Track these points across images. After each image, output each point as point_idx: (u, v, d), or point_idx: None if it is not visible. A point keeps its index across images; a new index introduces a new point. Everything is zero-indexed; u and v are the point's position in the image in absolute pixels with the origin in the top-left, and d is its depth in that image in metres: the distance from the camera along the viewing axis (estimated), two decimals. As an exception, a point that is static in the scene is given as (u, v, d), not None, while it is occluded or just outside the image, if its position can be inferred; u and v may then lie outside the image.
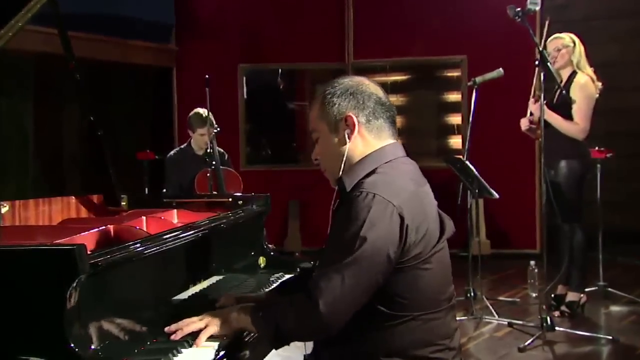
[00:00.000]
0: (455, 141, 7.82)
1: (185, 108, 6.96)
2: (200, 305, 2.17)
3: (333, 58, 7.58)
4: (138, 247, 1.88)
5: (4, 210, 2.43)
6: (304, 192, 7.46)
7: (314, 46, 7.53)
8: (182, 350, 1.78)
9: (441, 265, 1.92)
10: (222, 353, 1.82)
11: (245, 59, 7.52)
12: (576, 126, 4.74)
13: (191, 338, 1.85)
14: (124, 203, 2.75)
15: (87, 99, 2.55)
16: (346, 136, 1.93)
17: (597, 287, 5.40)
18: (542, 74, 4.32)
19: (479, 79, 5.00)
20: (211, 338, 1.86)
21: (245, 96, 7.57)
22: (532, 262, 5.59)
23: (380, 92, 1.99)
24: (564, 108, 4.73)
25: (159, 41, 7.36)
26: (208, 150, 4.96)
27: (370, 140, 1.95)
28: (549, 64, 4.33)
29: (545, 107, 4.44)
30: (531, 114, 4.93)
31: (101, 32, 6.42)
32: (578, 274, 4.89)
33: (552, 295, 4.95)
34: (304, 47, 7.52)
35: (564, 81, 4.77)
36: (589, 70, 4.81)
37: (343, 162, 1.93)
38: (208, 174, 4.94)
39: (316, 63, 7.72)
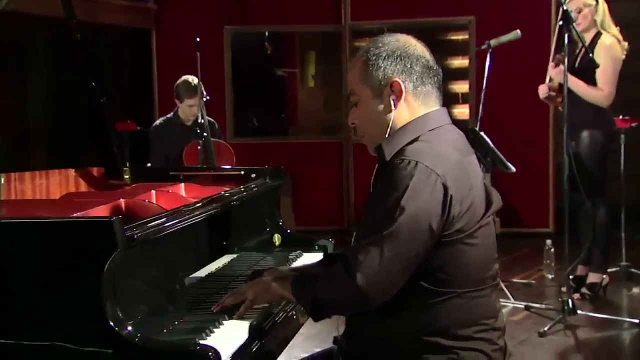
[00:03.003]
0: (461, 111, 7.87)
1: (165, 74, 6.97)
2: (220, 284, 2.23)
3: (328, 20, 7.58)
4: (171, 221, 1.93)
5: (-1, 183, 2.45)
6: (296, 167, 7.49)
7: (307, 6, 7.52)
8: (215, 330, 1.84)
9: (486, 240, 1.97)
10: (254, 333, 1.88)
11: (231, 21, 7.50)
12: (600, 92, 4.78)
13: (228, 314, 1.94)
14: (127, 176, 2.78)
15: (88, 63, 2.56)
16: (392, 103, 1.96)
17: (619, 268, 5.50)
18: (566, 36, 4.36)
19: (493, 42, 4.98)
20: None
21: (231, 62, 7.56)
22: (549, 242, 5.69)
23: (427, 55, 2.01)
24: (586, 73, 4.75)
25: (135, -1, 7.32)
26: (199, 121, 4.98)
27: (417, 107, 1.98)
28: (574, 24, 4.36)
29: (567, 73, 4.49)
30: (550, 79, 4.97)
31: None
32: (600, 253, 4.97)
33: (572, 277, 5.00)
34: (296, 8, 7.51)
35: (587, 44, 4.79)
36: (615, 30, 4.83)
37: (388, 130, 1.97)
38: (199, 147, 4.96)
39: (309, 25, 7.72)
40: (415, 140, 1.94)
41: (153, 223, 1.85)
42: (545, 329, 4.32)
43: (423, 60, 1.99)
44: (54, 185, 2.65)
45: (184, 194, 2.71)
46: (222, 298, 2.03)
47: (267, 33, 8.19)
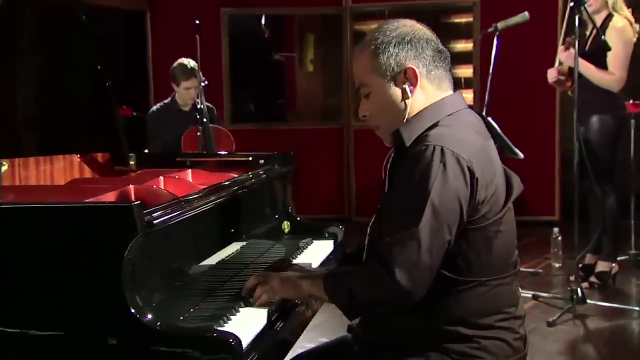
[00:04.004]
0: (464, 96, 7.87)
1: (161, 58, 6.95)
2: (232, 271, 2.26)
3: (328, 2, 7.57)
4: (188, 207, 1.95)
5: (2, 169, 2.47)
6: (296, 154, 7.46)
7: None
8: (232, 317, 1.86)
9: (509, 226, 1.99)
10: (272, 320, 1.91)
11: (228, 3, 7.48)
12: (611, 76, 4.79)
13: (244, 302, 1.96)
14: (132, 162, 2.80)
15: (94, 46, 2.56)
16: (408, 90, 1.96)
17: (628, 256, 5.56)
18: (577, 18, 4.36)
19: (501, 25, 4.95)
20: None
21: (228, 46, 7.54)
22: (556, 230, 5.72)
23: (434, 37, 2.02)
24: (597, 56, 4.76)
25: (128, -20, 7.29)
26: (199, 106, 4.98)
27: (432, 92, 1.99)
28: (585, 5, 4.37)
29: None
30: (560, 63, 4.98)
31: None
32: (609, 241, 5.00)
33: (580, 266, 5.01)
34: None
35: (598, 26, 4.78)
36: (627, 12, 4.84)
37: (405, 119, 1.97)
38: (198, 133, 4.97)
39: (309, 8, 7.71)
40: (436, 125, 1.94)
41: (170, 209, 1.87)
42: (554, 318, 4.36)
43: (433, 43, 1.99)
44: (58, 171, 2.66)
45: (191, 180, 2.72)
46: (246, 287, 2.03)
47: (264, 16, 8.18)
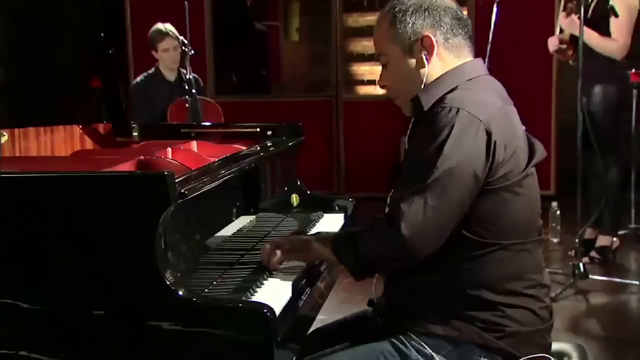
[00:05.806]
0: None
1: (140, 27, 6.89)
2: (248, 244, 2.31)
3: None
4: (212, 177, 1.98)
5: (2, 139, 2.48)
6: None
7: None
8: (257, 289, 1.90)
9: (532, 192, 2.07)
10: (297, 292, 1.97)
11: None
12: (614, 43, 4.82)
13: (267, 274, 2.02)
14: (136, 133, 2.81)
15: (97, 13, 2.57)
16: (424, 59, 2.03)
17: (628, 230, 5.65)
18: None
19: (501, -9, 5.02)
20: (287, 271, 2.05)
21: (212, 15, 7.51)
22: (554, 204, 5.77)
23: (454, 5, 2.08)
24: (600, 23, 4.79)
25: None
26: (186, 77, 4.99)
27: (450, 60, 2.04)
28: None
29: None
30: (561, 31, 5.02)
31: None
32: (611, 215, 5.08)
33: (581, 240, 5.10)
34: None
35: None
36: (631, -23, 4.89)
37: (422, 87, 2.04)
38: (187, 105, 4.98)
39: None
40: (454, 89, 2.01)
41: (197, 179, 1.90)
42: (556, 294, 4.42)
43: (451, 11, 2.05)
44: (58, 142, 2.68)
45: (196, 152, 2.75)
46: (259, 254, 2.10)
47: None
